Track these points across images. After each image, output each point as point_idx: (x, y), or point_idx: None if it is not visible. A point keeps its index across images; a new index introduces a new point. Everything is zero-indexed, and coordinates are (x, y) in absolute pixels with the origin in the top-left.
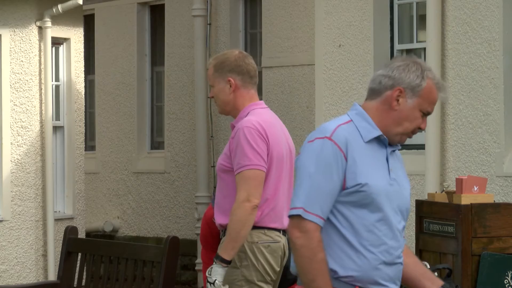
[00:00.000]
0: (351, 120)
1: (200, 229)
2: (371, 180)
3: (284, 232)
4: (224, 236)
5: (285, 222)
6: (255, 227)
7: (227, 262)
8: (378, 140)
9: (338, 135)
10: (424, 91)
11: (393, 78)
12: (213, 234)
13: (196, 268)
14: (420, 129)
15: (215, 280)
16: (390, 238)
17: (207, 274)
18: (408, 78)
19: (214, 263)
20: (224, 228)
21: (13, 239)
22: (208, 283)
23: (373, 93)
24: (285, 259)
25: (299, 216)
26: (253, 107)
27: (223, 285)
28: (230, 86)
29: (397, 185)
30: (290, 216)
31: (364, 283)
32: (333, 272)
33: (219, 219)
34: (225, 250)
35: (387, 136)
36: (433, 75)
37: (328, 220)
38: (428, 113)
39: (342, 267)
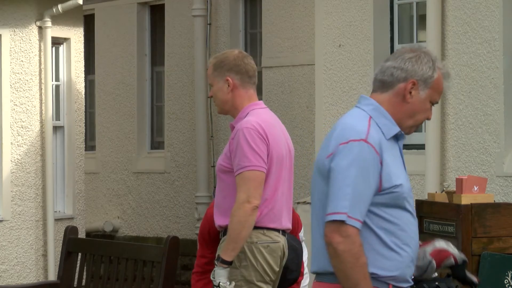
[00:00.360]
0: (371, 117)
1: (200, 225)
2: (402, 180)
3: (283, 232)
4: (223, 236)
5: (283, 222)
6: (254, 227)
7: (229, 263)
8: (394, 135)
9: (373, 136)
10: (435, 82)
11: (406, 70)
12: (211, 232)
13: None
14: (427, 119)
15: (219, 282)
16: (416, 235)
17: (211, 278)
18: (421, 70)
19: (215, 265)
20: (224, 228)
21: (13, 239)
22: (214, 287)
23: (384, 85)
24: (284, 259)
25: (340, 221)
26: (253, 107)
27: (229, 284)
28: (228, 85)
29: (409, 180)
30: (329, 221)
31: (398, 281)
32: (370, 273)
33: (218, 220)
34: (226, 251)
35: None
36: (442, 64)
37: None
38: (436, 103)
39: (380, 269)
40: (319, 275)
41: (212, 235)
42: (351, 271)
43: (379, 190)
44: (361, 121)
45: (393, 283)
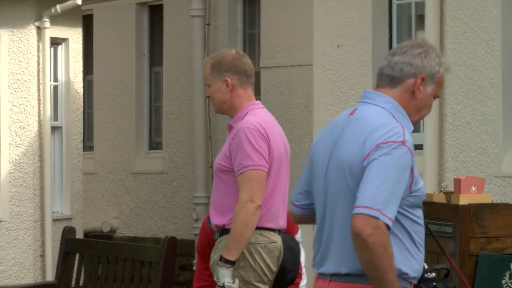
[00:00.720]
0: (393, 116)
1: (198, 238)
2: (422, 180)
3: (279, 232)
4: (219, 237)
5: (280, 222)
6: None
7: (232, 263)
8: None
9: (408, 139)
10: (440, 77)
11: (415, 66)
12: (210, 244)
13: (193, 268)
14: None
15: (224, 282)
16: None
17: (215, 279)
18: (430, 66)
19: (218, 266)
20: (220, 228)
21: (11, 239)
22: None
23: (394, 81)
24: (281, 259)
25: (372, 216)
26: (251, 107)
27: (233, 283)
28: (227, 85)
29: None
30: (359, 214)
31: (416, 280)
32: (403, 273)
33: (215, 220)
34: (229, 251)
35: None
36: (445, 59)
37: (397, 222)
38: (438, 97)
39: (411, 269)
40: (350, 276)
41: (212, 247)
42: (380, 262)
43: (409, 192)
44: (393, 121)
45: (414, 282)
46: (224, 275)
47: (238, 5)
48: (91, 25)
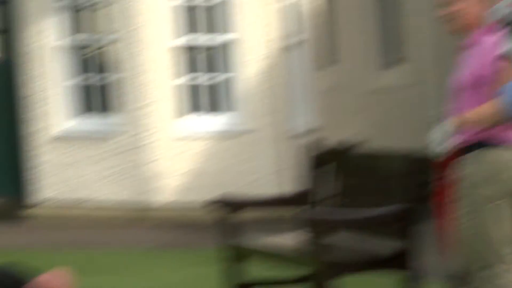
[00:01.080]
0: None
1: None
2: None
3: None
4: (463, 153)
5: None
6: (497, 144)
7: (457, 127)
8: None
9: None
10: None
11: None
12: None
13: (432, 185)
14: None
15: (437, 138)
16: None
17: (431, 136)
18: None
19: (441, 123)
20: (470, 144)
21: (260, 150)
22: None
23: None
24: None
25: None
26: (495, 24)
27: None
28: (482, 1)
29: None
30: None
31: None
32: None
33: (466, 135)
34: (466, 117)
35: None
36: None
37: None
38: None
39: None
40: None
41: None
42: None
43: None
44: None
45: None
46: (440, 130)
47: None
48: None
